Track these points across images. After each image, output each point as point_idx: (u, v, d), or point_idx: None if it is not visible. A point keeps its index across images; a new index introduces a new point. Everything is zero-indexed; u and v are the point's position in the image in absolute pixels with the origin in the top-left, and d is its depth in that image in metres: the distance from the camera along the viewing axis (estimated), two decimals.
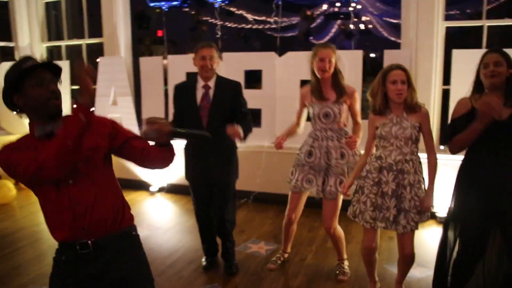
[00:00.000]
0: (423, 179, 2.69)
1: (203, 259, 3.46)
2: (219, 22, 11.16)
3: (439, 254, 2.74)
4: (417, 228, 2.67)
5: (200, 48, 3.13)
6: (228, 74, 3.95)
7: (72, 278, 1.70)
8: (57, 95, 1.64)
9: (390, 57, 4.37)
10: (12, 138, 1.69)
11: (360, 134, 3.10)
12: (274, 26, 9.43)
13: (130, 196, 5.34)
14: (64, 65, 5.98)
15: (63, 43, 6.33)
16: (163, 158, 1.77)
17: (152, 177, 5.57)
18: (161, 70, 5.42)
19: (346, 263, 3.32)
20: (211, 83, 3.17)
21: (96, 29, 5.96)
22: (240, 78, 4.84)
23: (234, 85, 3.22)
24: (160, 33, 8.13)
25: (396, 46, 4.63)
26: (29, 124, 1.68)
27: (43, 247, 3.83)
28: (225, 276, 3.30)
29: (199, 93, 3.17)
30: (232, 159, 3.28)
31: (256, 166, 4.89)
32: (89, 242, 1.68)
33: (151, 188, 5.56)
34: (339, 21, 13.81)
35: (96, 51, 6.04)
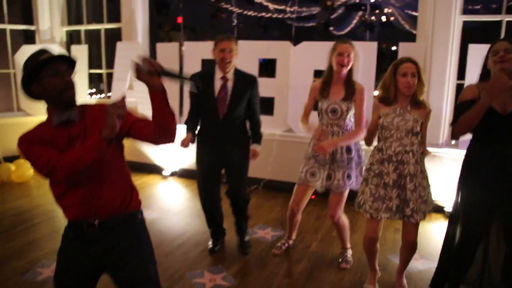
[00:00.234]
0: (426, 170, 2.71)
1: (210, 242, 3.54)
2: (239, 10, 11.16)
3: (444, 248, 2.77)
4: (424, 218, 2.70)
5: (219, 40, 3.17)
6: (243, 62, 3.98)
7: (78, 255, 1.79)
8: (71, 86, 1.73)
9: (405, 50, 4.36)
10: (31, 120, 1.79)
11: (347, 140, 3.04)
12: (293, 16, 9.40)
13: (143, 179, 5.46)
14: (83, 49, 6.10)
15: (82, 28, 6.43)
16: (164, 124, 1.72)
17: (165, 161, 5.68)
18: (177, 56, 5.49)
19: (349, 252, 3.36)
20: (229, 76, 3.22)
21: (115, 14, 6.05)
22: (255, 66, 4.89)
23: (252, 79, 3.29)
24: (180, 19, 8.15)
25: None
26: (47, 110, 1.77)
27: (57, 224, 3.96)
28: (230, 258, 3.38)
29: (217, 84, 3.21)
30: (247, 149, 3.35)
31: (267, 153, 4.95)
32: (96, 222, 1.76)
33: (163, 172, 5.67)
34: (360, 13, 13.61)
35: (115, 36, 6.13)
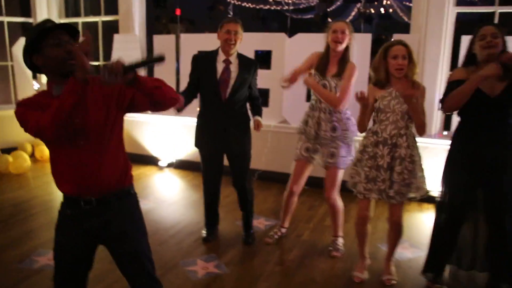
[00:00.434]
0: (418, 154, 2.76)
1: (203, 231, 3.60)
2: (237, 2, 11.15)
3: (433, 236, 2.83)
4: (404, 199, 2.76)
5: (226, 22, 3.20)
6: None
7: (76, 230, 1.84)
8: (73, 56, 1.72)
9: None
10: None
11: (324, 95, 3.09)
12: (292, 7, 9.40)
13: (140, 171, 5.51)
14: (80, 41, 6.11)
15: (80, 20, 6.45)
16: (156, 100, 1.76)
17: (162, 152, 5.73)
18: (173, 48, 5.52)
19: (340, 240, 3.40)
20: (232, 59, 3.25)
21: (112, 7, 6.07)
22: None
23: (254, 63, 3.34)
24: (178, 11, 8.16)
25: None
26: (47, 83, 1.80)
27: (54, 215, 3.88)
28: (223, 247, 3.44)
29: (220, 67, 3.24)
30: (248, 131, 3.41)
31: (262, 144, 4.99)
32: (93, 199, 1.81)
33: (160, 163, 5.72)
34: (358, 4, 13.56)
35: (112, 28, 6.15)
